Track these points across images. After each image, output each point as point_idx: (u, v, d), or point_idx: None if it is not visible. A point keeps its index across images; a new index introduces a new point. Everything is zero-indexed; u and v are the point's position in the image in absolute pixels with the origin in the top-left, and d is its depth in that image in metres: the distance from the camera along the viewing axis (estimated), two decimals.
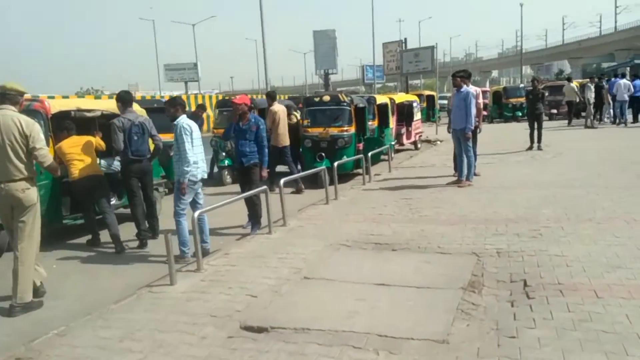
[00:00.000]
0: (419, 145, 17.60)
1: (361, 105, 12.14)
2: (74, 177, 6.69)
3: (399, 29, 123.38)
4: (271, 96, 10.86)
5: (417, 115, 17.53)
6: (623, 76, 21.50)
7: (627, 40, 70.73)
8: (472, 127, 9.15)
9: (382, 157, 13.56)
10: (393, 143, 15.19)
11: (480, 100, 10.18)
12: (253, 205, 7.12)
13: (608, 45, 76.62)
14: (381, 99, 14.53)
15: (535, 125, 13.67)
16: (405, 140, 16.75)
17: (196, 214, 5.47)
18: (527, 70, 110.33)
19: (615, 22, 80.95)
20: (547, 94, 25.91)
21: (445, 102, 40.45)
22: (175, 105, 5.98)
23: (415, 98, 17.83)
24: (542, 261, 4.93)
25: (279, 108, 10.57)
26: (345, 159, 10.79)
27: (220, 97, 24.90)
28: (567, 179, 9.27)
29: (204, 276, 5.09)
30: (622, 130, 18.10)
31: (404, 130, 16.63)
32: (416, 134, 17.37)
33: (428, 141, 19.46)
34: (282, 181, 7.10)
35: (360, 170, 11.99)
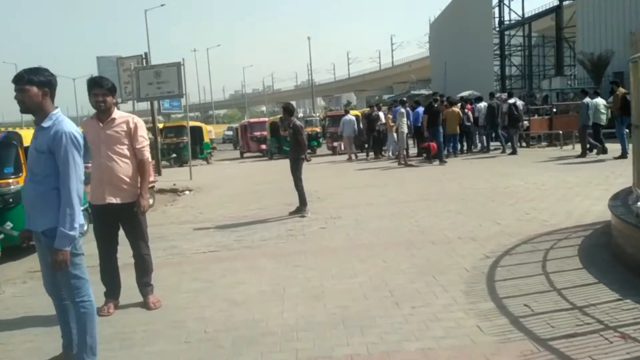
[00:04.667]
0: (150, 201, 11.43)
1: None
2: None
3: (194, 57, 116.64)
4: None
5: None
6: (402, 103, 18.30)
7: (403, 74, 74.27)
8: (75, 235, 3.22)
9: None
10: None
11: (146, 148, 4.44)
12: None
13: (388, 79, 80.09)
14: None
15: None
16: None
17: None
18: (321, 101, 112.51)
19: (392, 57, 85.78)
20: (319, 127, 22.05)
21: (231, 133, 35.25)
22: None
23: None
24: None
25: None
26: None
27: None
28: (336, 312, 3.99)
29: None
30: (405, 169, 14.21)
31: None
32: None
33: (174, 191, 13.50)
34: None
35: None
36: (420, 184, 10.82)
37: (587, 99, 13.63)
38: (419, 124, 16.80)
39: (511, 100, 15.97)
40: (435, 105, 14.80)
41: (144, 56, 16.06)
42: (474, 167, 12.97)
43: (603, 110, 13.54)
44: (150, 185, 11.92)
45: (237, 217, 8.70)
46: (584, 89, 15.68)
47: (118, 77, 16.66)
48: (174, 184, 14.05)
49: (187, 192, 12.98)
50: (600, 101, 13.72)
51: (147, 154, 4.39)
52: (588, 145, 13.43)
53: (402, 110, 15.34)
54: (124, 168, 4.31)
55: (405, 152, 15.13)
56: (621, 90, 12.50)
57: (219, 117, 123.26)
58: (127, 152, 4.33)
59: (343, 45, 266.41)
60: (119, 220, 4.42)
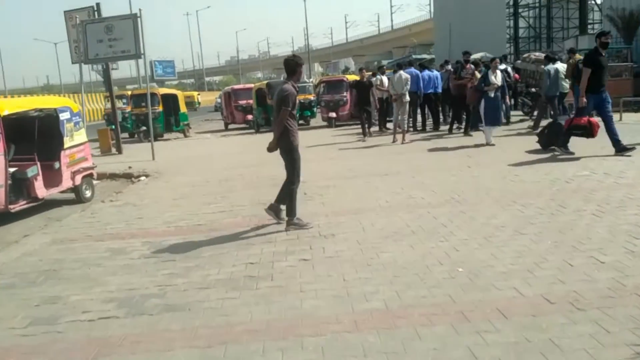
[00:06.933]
0: (86, 193, 8.62)
1: None
2: None
3: (187, 22, 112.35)
4: None
5: (78, 137, 8.53)
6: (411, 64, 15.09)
7: (402, 38, 70.66)
8: None
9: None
10: None
11: None
12: None
13: (387, 43, 76.39)
14: None
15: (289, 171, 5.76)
16: (42, 191, 7.66)
17: None
18: (318, 67, 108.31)
19: (392, 20, 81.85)
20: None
21: (220, 101, 32.26)
22: None
23: (67, 103, 8.68)
24: None
25: None
26: None
27: None
28: None
29: None
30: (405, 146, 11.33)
31: (33, 171, 7.53)
32: (76, 172, 8.36)
33: (128, 176, 10.65)
34: None
35: None
36: (443, 172, 7.96)
37: (550, 66, 11.73)
38: (429, 91, 13.89)
39: (502, 66, 12.98)
40: (604, 54, 8.24)
41: (95, 8, 12.89)
42: (504, 145, 10.07)
43: (564, 77, 11.80)
44: (87, 172, 9.17)
45: (186, 227, 5.93)
46: (548, 55, 13.26)
47: (67, 34, 13.54)
48: (130, 167, 11.19)
49: (142, 178, 10.15)
50: (561, 67, 11.90)
51: None
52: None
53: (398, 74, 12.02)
54: None
55: (406, 127, 12.09)
56: (577, 57, 11.46)
57: (214, 83, 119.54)
58: None
59: (341, 9, 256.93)
60: None
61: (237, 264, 4.46)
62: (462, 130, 12.21)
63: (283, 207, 5.57)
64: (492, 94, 10.10)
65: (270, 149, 5.48)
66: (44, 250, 5.50)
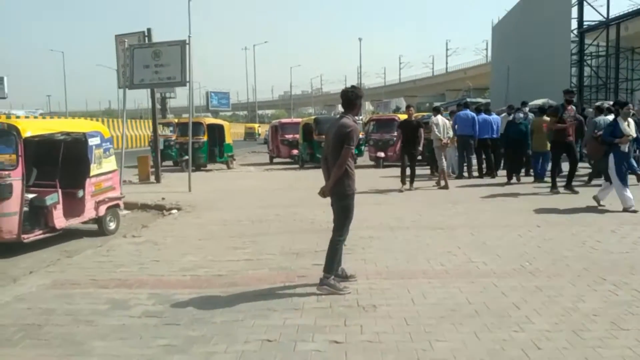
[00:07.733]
0: (110, 225, 7.96)
1: None
2: None
3: (244, 56, 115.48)
4: None
5: (107, 164, 7.95)
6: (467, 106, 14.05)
7: (456, 81, 69.53)
8: None
9: None
10: None
11: None
12: None
13: (440, 85, 75.47)
14: None
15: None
16: (61, 221, 7.04)
17: None
18: (369, 106, 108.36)
19: (447, 63, 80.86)
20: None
21: (268, 133, 32.04)
22: None
23: (98, 128, 8.13)
24: None
25: None
26: None
27: None
28: None
29: None
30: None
31: (53, 199, 6.94)
32: (101, 202, 7.73)
33: (160, 208, 10.00)
34: None
35: None
36: (507, 229, 6.83)
37: (599, 117, 10.67)
38: (486, 137, 12.84)
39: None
40: None
41: (146, 33, 12.66)
42: (578, 201, 8.82)
43: None
44: (113, 203, 8.55)
45: (204, 278, 5.09)
46: (599, 106, 11.91)
47: (117, 58, 13.35)
48: (163, 198, 10.57)
49: (174, 212, 9.47)
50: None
51: None
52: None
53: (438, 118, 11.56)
54: None
55: (444, 170, 11.22)
56: None
57: (266, 116, 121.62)
58: None
59: (395, 49, 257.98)
60: None
61: (251, 340, 3.54)
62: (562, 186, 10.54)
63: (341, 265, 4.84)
64: (625, 148, 8.01)
65: (325, 193, 4.59)
66: (39, 295, 4.76)
